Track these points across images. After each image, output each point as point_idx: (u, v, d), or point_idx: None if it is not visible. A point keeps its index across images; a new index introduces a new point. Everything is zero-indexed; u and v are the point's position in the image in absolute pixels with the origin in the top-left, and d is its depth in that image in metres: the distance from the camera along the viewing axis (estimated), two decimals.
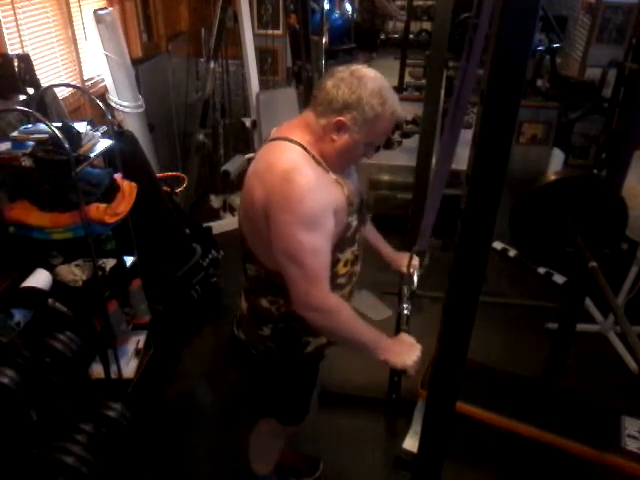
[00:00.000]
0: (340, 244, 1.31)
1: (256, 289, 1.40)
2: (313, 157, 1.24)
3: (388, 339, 1.34)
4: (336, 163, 1.28)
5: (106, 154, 2.02)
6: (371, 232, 1.66)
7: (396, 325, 1.47)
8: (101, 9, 2.77)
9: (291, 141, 1.24)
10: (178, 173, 3.36)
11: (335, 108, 1.21)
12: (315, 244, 1.19)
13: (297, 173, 1.17)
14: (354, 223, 1.35)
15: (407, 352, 1.32)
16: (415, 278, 1.51)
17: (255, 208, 1.23)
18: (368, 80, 1.21)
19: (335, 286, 1.34)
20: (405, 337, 1.37)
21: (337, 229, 1.25)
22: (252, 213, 1.25)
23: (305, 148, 1.24)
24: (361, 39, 6.03)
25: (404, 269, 1.61)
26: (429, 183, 1.46)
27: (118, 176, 2.07)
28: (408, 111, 3.69)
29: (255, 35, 3.40)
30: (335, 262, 1.31)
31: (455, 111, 1.16)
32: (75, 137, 1.76)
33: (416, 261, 1.56)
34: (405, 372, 1.30)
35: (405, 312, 1.45)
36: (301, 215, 1.16)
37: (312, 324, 1.26)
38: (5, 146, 1.75)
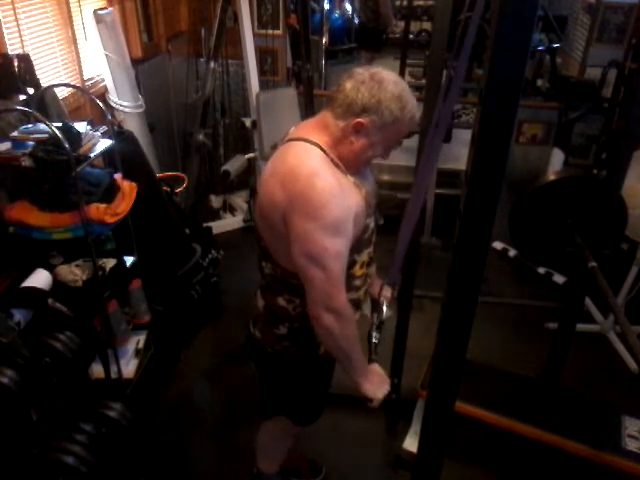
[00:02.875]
0: (357, 246, 1.30)
1: (273, 287, 1.40)
2: (332, 160, 1.23)
3: (368, 365, 1.38)
4: (353, 165, 1.27)
5: (106, 154, 2.03)
6: None
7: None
8: (101, 9, 2.77)
9: (310, 142, 1.23)
10: (178, 173, 3.37)
11: (354, 111, 1.20)
12: (338, 249, 1.19)
13: (319, 179, 1.16)
14: (371, 225, 1.36)
15: (379, 384, 1.39)
16: (384, 308, 1.50)
17: (274, 210, 1.22)
18: (389, 84, 1.19)
19: (351, 288, 1.34)
20: (377, 368, 1.41)
21: (356, 231, 1.25)
22: (270, 214, 1.24)
23: (324, 150, 1.23)
24: (365, 39, 6.03)
25: (376, 296, 1.57)
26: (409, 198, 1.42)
27: (118, 176, 2.07)
28: None
29: (255, 35, 3.40)
30: (352, 264, 1.31)
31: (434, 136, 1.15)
32: (75, 137, 1.77)
33: (388, 292, 1.54)
34: (371, 401, 1.37)
35: (374, 341, 1.45)
36: (325, 221, 1.16)
37: (321, 325, 1.24)
38: (5, 146, 1.76)
